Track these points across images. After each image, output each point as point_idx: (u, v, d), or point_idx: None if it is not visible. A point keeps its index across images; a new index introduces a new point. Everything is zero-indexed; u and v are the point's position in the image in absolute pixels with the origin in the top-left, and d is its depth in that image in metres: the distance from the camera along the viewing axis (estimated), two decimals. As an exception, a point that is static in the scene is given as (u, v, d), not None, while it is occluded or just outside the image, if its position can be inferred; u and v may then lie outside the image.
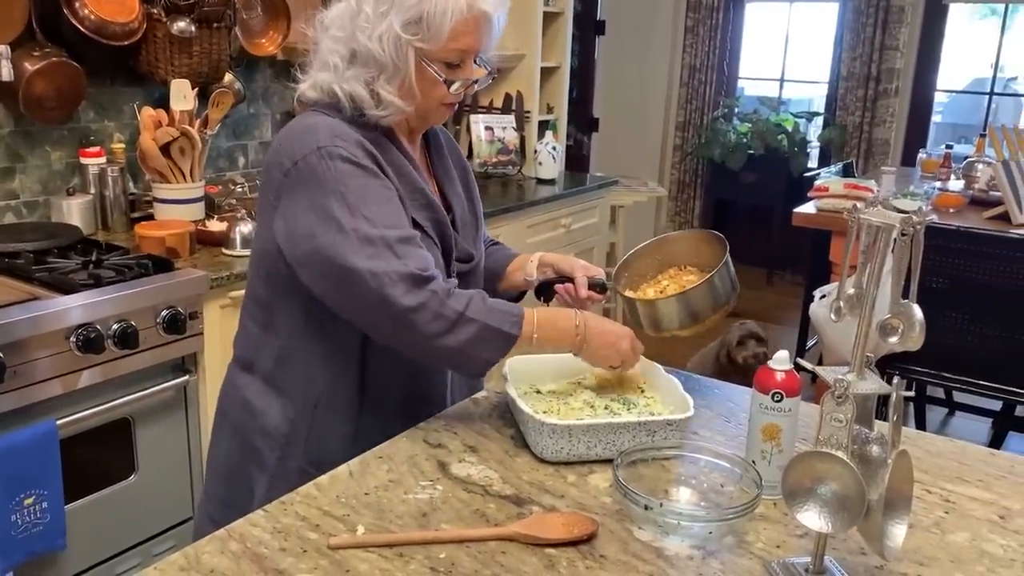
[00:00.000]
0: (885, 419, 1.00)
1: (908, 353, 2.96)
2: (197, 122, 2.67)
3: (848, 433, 0.91)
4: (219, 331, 2.29)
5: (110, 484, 2.17)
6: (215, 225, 2.58)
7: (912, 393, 3.75)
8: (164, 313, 2.15)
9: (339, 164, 1.26)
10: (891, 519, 0.95)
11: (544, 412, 1.35)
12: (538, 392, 1.45)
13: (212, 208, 2.74)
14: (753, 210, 6.04)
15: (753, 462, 1.21)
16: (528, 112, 3.99)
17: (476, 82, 1.39)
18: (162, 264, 2.26)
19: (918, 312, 0.90)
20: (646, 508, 1.08)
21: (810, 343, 4.07)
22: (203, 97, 2.76)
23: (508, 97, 4.00)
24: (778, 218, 5.83)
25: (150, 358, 2.17)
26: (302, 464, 1.37)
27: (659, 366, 1.48)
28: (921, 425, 3.69)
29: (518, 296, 1.67)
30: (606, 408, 1.38)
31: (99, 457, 2.14)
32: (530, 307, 1.36)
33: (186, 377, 2.26)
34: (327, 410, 1.38)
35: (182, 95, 2.61)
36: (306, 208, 1.27)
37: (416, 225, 1.34)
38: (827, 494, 0.94)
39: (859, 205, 0.91)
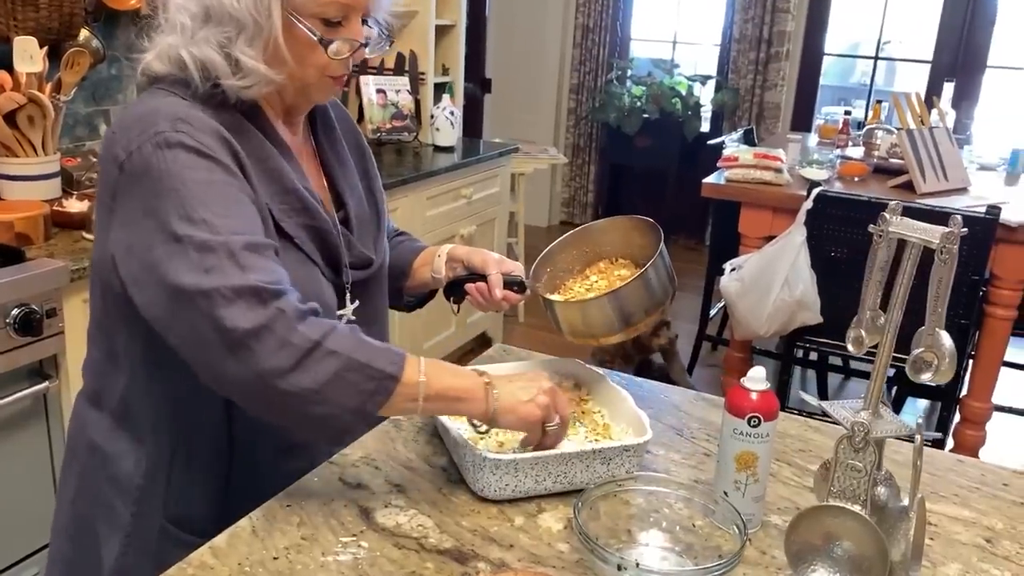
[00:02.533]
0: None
1: (814, 325, 2.96)
2: (48, 86, 2.32)
3: (868, 484, 0.77)
4: (82, 330, 1.95)
5: (-43, 511, 1.87)
6: (74, 205, 2.26)
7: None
8: (15, 312, 1.85)
9: (178, 154, 1.00)
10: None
11: (481, 439, 1.16)
12: (469, 410, 1.26)
13: (70, 184, 2.41)
14: (647, 174, 5.99)
15: (725, 493, 1.07)
16: (423, 74, 3.74)
17: (365, 45, 1.13)
18: (11, 254, 1.95)
19: (948, 341, 0.76)
20: (619, 568, 0.91)
21: (713, 311, 4.03)
22: (54, 57, 2.40)
23: (400, 57, 3.73)
24: (672, 182, 5.80)
25: (1, 364, 1.86)
26: (161, 521, 1.14)
27: (605, 375, 1.32)
28: (824, 393, 3.71)
29: (427, 296, 1.45)
30: (550, 430, 1.20)
31: (-59, 482, 1.84)
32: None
33: (45, 384, 1.96)
34: (187, 460, 1.14)
35: (28, 55, 2.25)
36: (142, 213, 1.00)
37: (284, 235, 1.09)
38: (841, 554, 0.79)
39: (886, 215, 0.76)
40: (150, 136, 1.01)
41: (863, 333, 0.82)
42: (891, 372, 3.82)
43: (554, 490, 1.11)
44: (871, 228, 0.79)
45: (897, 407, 3.72)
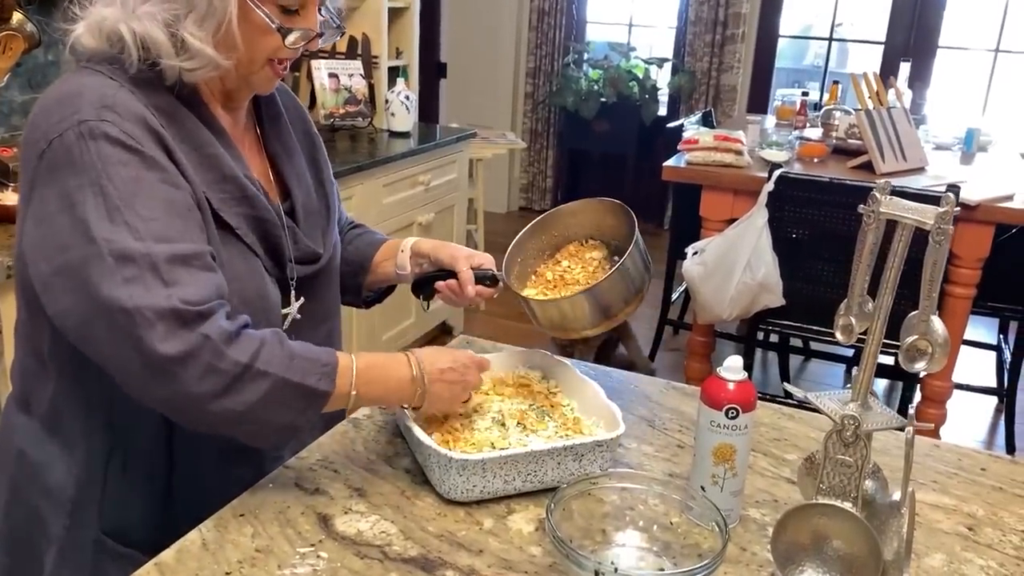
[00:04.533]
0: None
1: (776, 307, 2.94)
2: (-22, 72, 2.20)
3: (859, 480, 0.72)
4: (22, 329, 1.89)
5: None
6: (10, 197, 2.14)
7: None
8: (-53, 312, 1.75)
9: (103, 146, 0.92)
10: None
11: (447, 437, 1.10)
12: (433, 406, 1.20)
13: (6, 176, 2.28)
14: (606, 159, 5.95)
15: (703, 488, 1.02)
16: (376, 57, 3.64)
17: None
18: (-59, 250, 1.84)
19: (941, 327, 0.72)
20: (597, 574, 0.86)
21: (674, 295, 4.01)
22: (-15, 41, 2.28)
23: (353, 41, 3.63)
24: (630, 167, 5.78)
25: (-68, 368, 1.76)
26: (97, 534, 1.07)
27: (572, 365, 1.27)
28: (785, 375, 3.71)
29: (387, 291, 1.40)
30: (519, 425, 1.15)
31: None
32: (349, 353, 1.04)
33: (-18, 387, 1.86)
34: (123, 468, 1.07)
35: (-44, 38, 2.13)
36: (58, 207, 0.92)
37: (224, 226, 1.02)
38: (831, 554, 0.75)
39: (877, 195, 0.71)
40: (73, 123, 0.93)
41: (853, 321, 0.77)
42: (849, 352, 3.86)
43: (524, 490, 1.06)
44: (861, 208, 0.74)
45: (858, 387, 3.74)
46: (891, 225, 0.76)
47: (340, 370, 1.00)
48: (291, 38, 1.03)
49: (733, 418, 0.99)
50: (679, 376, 3.53)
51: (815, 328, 2.97)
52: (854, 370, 3.25)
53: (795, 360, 4.05)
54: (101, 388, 1.03)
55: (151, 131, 0.96)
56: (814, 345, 3.91)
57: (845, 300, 0.77)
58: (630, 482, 1.02)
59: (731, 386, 1.00)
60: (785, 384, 0.95)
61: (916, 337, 0.73)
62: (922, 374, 3.08)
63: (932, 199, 0.73)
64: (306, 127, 1.26)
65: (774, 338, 3.73)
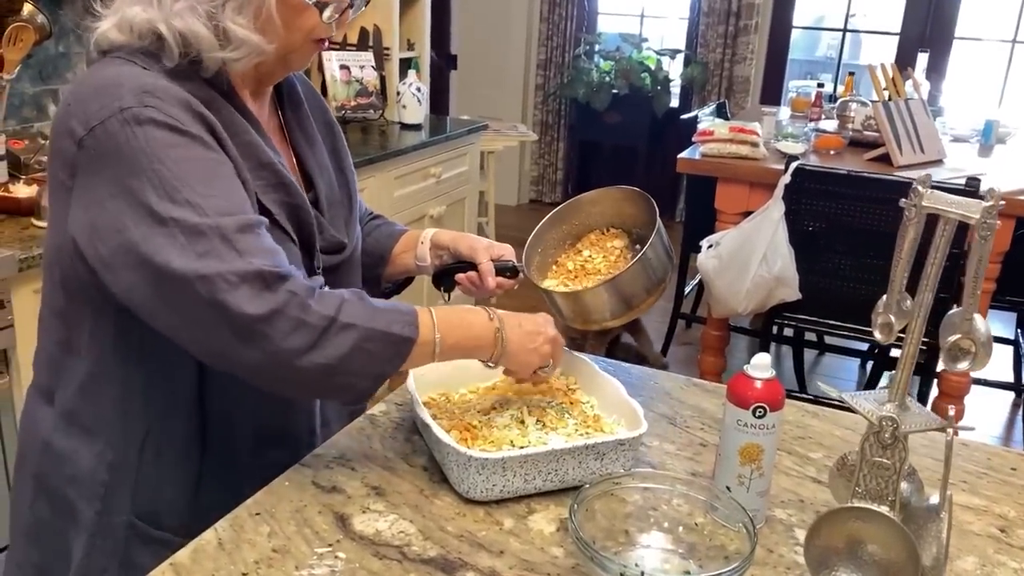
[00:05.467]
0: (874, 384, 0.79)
1: (792, 301, 2.91)
2: (-11, 63, 2.19)
3: (896, 483, 0.70)
4: (34, 322, 1.87)
5: (-99, 518, 1.75)
6: (22, 189, 2.13)
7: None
8: (-41, 305, 1.74)
9: (150, 131, 0.92)
10: None
11: (465, 435, 1.08)
12: (450, 403, 1.18)
13: (17, 168, 2.28)
14: (617, 151, 5.91)
15: (728, 488, 1.00)
16: (387, 49, 3.61)
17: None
18: (-48, 243, 1.83)
19: (984, 326, 0.69)
20: (623, 577, 0.84)
21: (687, 288, 3.98)
22: (-4, 32, 2.26)
23: (364, 32, 3.60)
24: (642, 158, 5.74)
25: (-56, 361, 1.75)
26: (129, 518, 1.07)
27: (592, 362, 1.24)
28: (800, 369, 3.68)
29: (405, 281, 1.38)
30: (538, 423, 1.13)
31: None
32: (424, 306, 1.05)
33: (-6, 380, 1.85)
34: (158, 451, 1.06)
35: (-34, 29, 2.11)
36: (110, 193, 0.92)
37: (264, 211, 1.02)
38: (867, 559, 0.73)
39: (919, 189, 0.68)
40: (114, 111, 0.92)
41: (892, 319, 0.75)
42: (864, 346, 3.82)
43: (544, 489, 1.04)
44: (902, 202, 0.72)
45: (873, 383, 3.70)
46: (925, 220, 0.73)
47: (420, 318, 1.02)
48: (327, 12, 1.03)
49: (761, 417, 0.96)
50: (692, 370, 3.51)
51: (831, 322, 2.94)
52: (868, 364, 3.21)
53: (809, 354, 4.02)
54: (141, 369, 1.04)
55: (195, 114, 0.96)
56: (828, 339, 3.87)
57: (883, 298, 0.75)
58: (653, 482, 1.00)
59: (759, 384, 0.97)
60: (819, 383, 0.93)
61: (959, 336, 0.70)
62: (940, 368, 3.05)
63: (953, 192, 0.70)
64: (326, 117, 1.25)
65: (788, 332, 3.70)
